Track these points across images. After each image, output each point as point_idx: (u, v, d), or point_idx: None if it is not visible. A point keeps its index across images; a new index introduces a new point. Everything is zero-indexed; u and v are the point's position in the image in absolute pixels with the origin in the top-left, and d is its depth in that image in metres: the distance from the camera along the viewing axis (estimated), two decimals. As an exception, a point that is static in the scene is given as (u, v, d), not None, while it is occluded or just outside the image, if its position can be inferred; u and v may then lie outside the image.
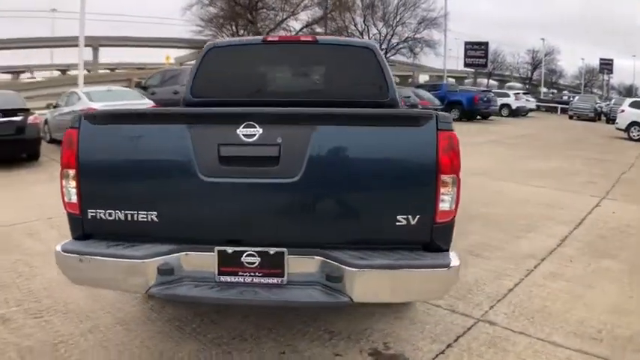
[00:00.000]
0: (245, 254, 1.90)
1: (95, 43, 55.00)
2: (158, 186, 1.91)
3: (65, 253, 1.90)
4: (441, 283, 1.85)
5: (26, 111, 7.63)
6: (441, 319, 2.64)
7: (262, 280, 1.89)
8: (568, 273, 3.35)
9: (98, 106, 9.38)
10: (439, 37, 30.45)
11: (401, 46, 30.95)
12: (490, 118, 21.32)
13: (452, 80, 34.76)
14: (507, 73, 53.62)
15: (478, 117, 20.45)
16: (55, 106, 11.00)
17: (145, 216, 1.89)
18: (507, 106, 24.27)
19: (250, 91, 3.37)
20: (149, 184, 1.92)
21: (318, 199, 1.89)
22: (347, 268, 1.78)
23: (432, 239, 1.90)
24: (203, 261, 1.91)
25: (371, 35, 29.61)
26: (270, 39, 3.35)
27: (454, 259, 1.84)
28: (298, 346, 2.34)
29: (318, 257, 1.85)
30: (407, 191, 1.87)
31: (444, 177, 1.84)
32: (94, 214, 1.94)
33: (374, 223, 1.88)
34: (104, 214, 1.92)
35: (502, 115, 23.40)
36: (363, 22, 29.72)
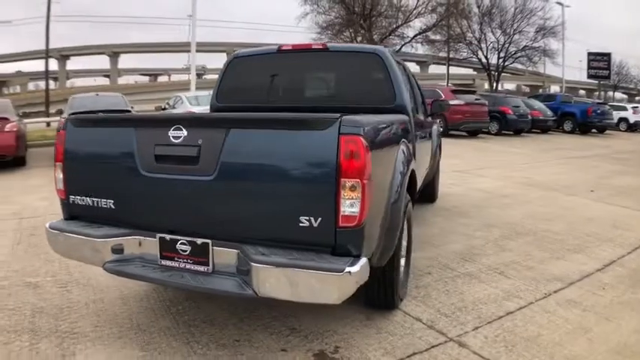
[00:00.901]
0: (179, 242, 2.12)
1: (230, 48, 60.67)
2: (113, 179, 2.22)
3: (50, 229, 2.31)
4: (333, 288, 1.83)
5: (127, 112, 8.93)
6: (412, 332, 2.52)
7: (192, 267, 2.08)
8: (590, 301, 2.90)
9: (196, 109, 10.54)
10: (558, 46, 28.35)
11: (519, 54, 29.34)
12: (607, 132, 19.70)
13: (582, 92, 32.38)
14: (632, 86, 47.06)
15: (593, 130, 19.19)
16: (163, 109, 12.69)
17: (105, 203, 2.21)
18: (625, 120, 22.32)
19: (266, 98, 3.60)
20: (107, 177, 2.25)
21: (230, 196, 2.03)
22: (252, 262, 1.87)
23: (337, 243, 1.89)
24: (149, 246, 2.16)
25: (488, 43, 28.36)
26: (284, 48, 3.53)
27: (354, 266, 1.80)
28: (255, 337, 2.45)
29: (235, 250, 1.97)
30: (309, 194, 1.90)
31: (345, 181, 1.84)
32: (74, 199, 2.31)
33: (279, 223, 1.95)
34: (80, 200, 2.29)
35: (620, 130, 21.61)
36: (480, 29, 28.47)
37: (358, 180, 1.85)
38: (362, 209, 1.87)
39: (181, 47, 60.56)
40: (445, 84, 27.19)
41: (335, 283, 1.82)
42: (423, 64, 55.47)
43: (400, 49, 24.26)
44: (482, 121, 14.84)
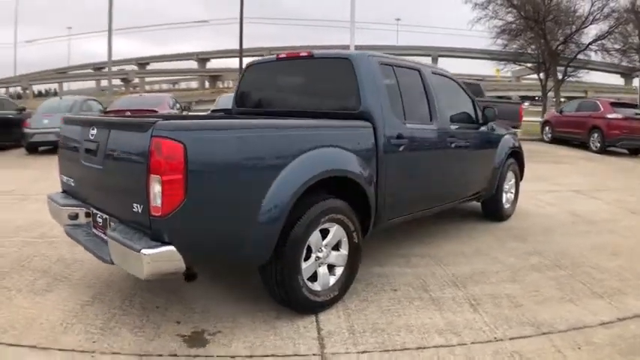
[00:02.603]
0: (97, 215, 2.66)
1: (435, 53, 61.21)
2: (72, 164, 2.90)
3: (47, 198, 3.13)
4: (140, 265, 2.09)
5: None
6: (295, 337, 2.50)
7: (102, 236, 2.59)
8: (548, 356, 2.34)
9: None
10: None
11: None
12: None
13: None
14: None
15: None
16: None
17: (71, 182, 2.94)
18: None
19: (264, 103, 3.89)
20: (71, 163, 2.94)
21: (108, 182, 2.52)
22: (106, 236, 2.36)
23: (152, 228, 2.14)
24: (89, 216, 2.78)
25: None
26: (280, 56, 3.73)
27: (153, 249, 2.07)
28: (168, 314, 2.81)
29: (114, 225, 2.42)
30: (135, 184, 2.18)
31: (152, 176, 2.08)
32: (61, 177, 3.10)
33: (125, 207, 2.30)
34: (64, 178, 3.06)
35: None
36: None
37: (159, 176, 2.06)
38: (163, 203, 2.06)
39: (391, 51, 63.18)
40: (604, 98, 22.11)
41: (138, 261, 2.08)
42: (627, 75, 45.67)
43: (575, 57, 20.84)
44: (641, 138, 12.13)
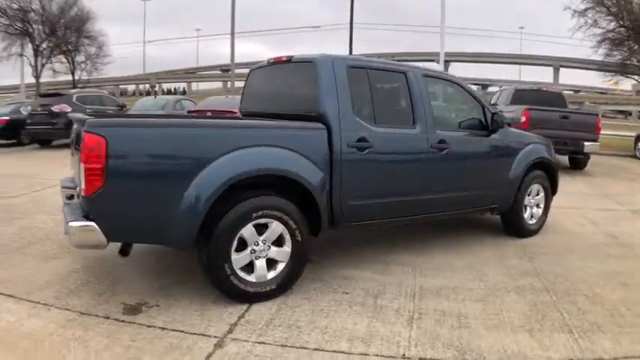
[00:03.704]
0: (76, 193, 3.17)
1: (556, 63, 56.42)
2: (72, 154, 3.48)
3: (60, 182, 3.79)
4: (69, 234, 2.57)
5: None
6: (210, 321, 2.72)
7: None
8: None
9: None
10: None
11: None
12: None
13: None
14: None
15: None
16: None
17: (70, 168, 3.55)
18: None
19: (258, 105, 4.15)
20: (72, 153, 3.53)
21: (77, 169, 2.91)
22: None
23: (83, 207, 2.58)
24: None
25: None
26: (272, 60, 3.94)
27: (78, 223, 2.54)
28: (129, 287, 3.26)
29: None
30: (79, 171, 2.61)
31: (81, 164, 2.49)
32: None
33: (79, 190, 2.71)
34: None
35: None
36: None
37: (84, 164, 2.46)
38: (86, 186, 2.49)
39: (512, 59, 59.56)
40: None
41: (68, 231, 2.56)
42: None
43: None
44: None
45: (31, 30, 26.43)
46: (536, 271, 3.76)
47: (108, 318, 2.72)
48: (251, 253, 2.95)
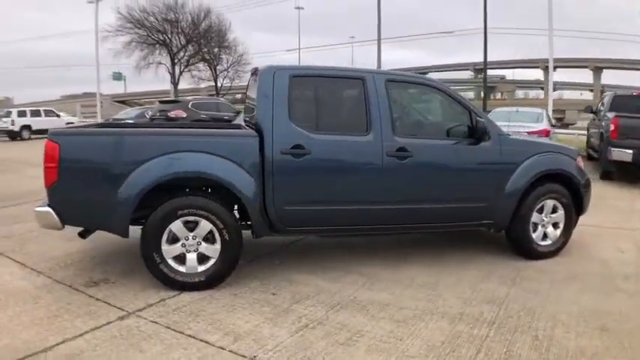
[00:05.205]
0: None
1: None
2: None
3: None
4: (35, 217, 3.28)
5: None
6: (137, 300, 3.17)
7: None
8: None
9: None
10: None
11: None
12: None
13: None
14: None
15: None
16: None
17: None
18: None
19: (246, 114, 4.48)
20: None
21: None
22: None
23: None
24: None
25: None
26: (252, 70, 4.24)
27: (40, 208, 3.24)
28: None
29: None
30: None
31: (44, 163, 3.17)
32: None
33: None
34: None
35: None
36: None
37: (44, 163, 3.14)
38: (46, 180, 3.15)
39: None
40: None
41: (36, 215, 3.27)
42: None
43: None
44: None
45: (168, 41, 29.11)
46: (505, 299, 3.28)
47: (70, 287, 3.41)
48: (182, 246, 3.33)
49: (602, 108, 9.52)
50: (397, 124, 3.60)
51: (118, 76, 36.92)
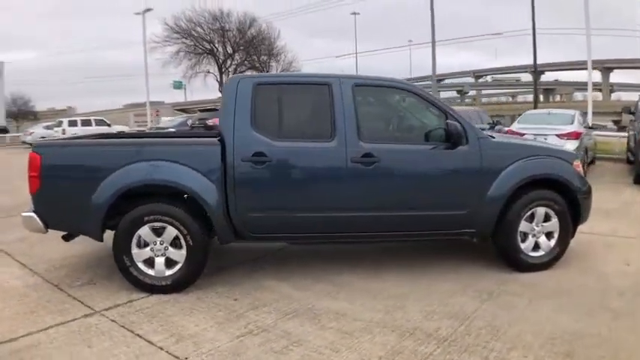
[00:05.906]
0: None
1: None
2: None
3: None
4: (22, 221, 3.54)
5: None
6: (108, 300, 3.35)
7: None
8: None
9: (516, 127, 9.56)
10: None
11: None
12: None
13: None
14: None
15: None
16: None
17: None
18: None
19: None
20: None
21: None
22: None
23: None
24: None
25: None
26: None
27: (26, 213, 3.50)
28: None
29: None
30: None
31: (28, 172, 3.43)
32: None
33: None
34: None
35: None
36: None
37: (29, 172, 3.42)
38: (30, 187, 3.42)
39: None
40: None
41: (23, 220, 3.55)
42: None
43: None
44: None
45: (215, 50, 29.46)
46: (472, 314, 3.07)
47: (57, 286, 3.69)
48: (151, 250, 3.48)
49: (636, 110, 8.55)
50: (364, 129, 3.51)
51: (178, 85, 36.53)
